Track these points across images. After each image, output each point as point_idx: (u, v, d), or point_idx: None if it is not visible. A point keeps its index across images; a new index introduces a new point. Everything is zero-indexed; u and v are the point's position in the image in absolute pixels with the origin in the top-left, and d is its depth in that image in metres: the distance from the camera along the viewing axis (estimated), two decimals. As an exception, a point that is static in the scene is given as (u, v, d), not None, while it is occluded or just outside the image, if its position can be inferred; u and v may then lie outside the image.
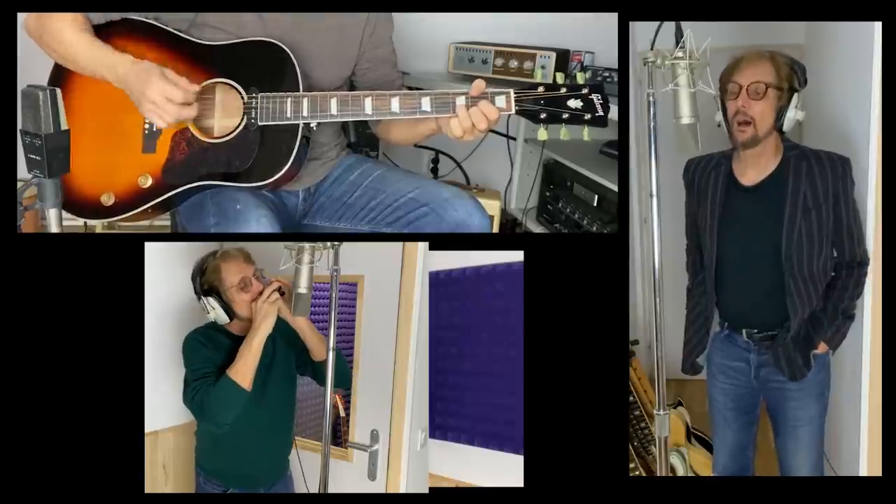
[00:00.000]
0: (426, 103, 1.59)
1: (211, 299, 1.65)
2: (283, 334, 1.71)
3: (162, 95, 1.51)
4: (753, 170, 1.62)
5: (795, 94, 1.56)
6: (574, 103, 1.56)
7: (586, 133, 1.57)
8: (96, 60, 1.58)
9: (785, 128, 1.58)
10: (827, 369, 1.68)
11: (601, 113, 1.55)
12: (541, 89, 1.57)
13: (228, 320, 1.67)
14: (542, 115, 1.57)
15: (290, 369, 1.77)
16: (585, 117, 1.56)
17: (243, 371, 1.56)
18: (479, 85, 1.57)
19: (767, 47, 1.62)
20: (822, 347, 1.63)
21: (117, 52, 1.58)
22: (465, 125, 1.57)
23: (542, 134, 1.58)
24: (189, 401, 1.60)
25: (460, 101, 1.57)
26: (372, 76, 1.86)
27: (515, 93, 1.57)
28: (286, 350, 1.74)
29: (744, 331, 1.68)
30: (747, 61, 1.56)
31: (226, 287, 1.65)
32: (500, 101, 1.56)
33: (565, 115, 1.56)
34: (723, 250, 1.66)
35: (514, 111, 1.57)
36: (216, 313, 1.65)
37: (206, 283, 1.65)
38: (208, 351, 1.63)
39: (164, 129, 1.64)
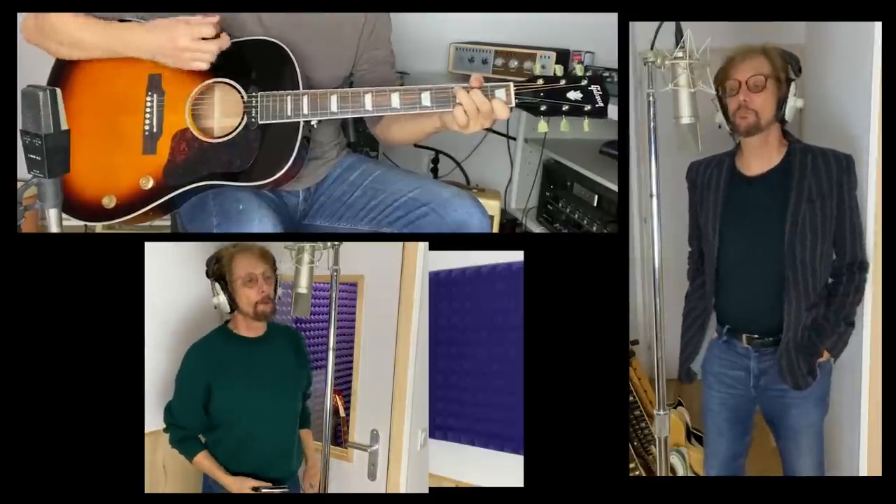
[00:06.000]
0: (426, 98, 1.59)
1: (217, 285, 1.67)
2: (295, 357, 1.76)
3: (193, 39, 1.53)
4: (757, 161, 1.63)
5: (792, 84, 1.58)
6: (574, 95, 1.56)
7: (587, 125, 1.57)
8: (105, 37, 1.59)
9: (787, 116, 1.59)
10: (828, 375, 1.68)
11: (601, 104, 1.55)
12: (540, 82, 1.57)
13: (229, 310, 1.68)
14: (543, 108, 1.57)
15: (297, 379, 1.78)
16: (585, 109, 1.56)
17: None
18: (477, 78, 1.57)
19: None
20: (824, 356, 1.63)
21: (123, 24, 1.59)
22: (470, 109, 1.55)
23: (543, 126, 1.58)
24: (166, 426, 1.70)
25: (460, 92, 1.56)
26: (370, 77, 1.85)
27: (515, 85, 1.57)
28: (295, 369, 1.77)
29: (744, 336, 1.67)
30: (742, 57, 1.57)
31: (232, 278, 1.66)
32: (500, 93, 1.56)
33: (565, 107, 1.56)
34: (725, 245, 1.65)
35: (514, 104, 1.57)
36: (219, 300, 1.67)
37: (217, 269, 1.68)
38: (201, 371, 1.67)
39: (164, 130, 1.64)
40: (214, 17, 1.57)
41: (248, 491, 1.61)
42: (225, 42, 1.58)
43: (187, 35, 1.54)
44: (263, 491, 1.61)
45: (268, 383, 1.69)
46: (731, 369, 1.71)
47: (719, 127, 1.61)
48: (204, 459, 1.67)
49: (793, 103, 1.58)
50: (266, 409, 1.68)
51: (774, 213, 1.59)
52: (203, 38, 1.55)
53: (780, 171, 1.61)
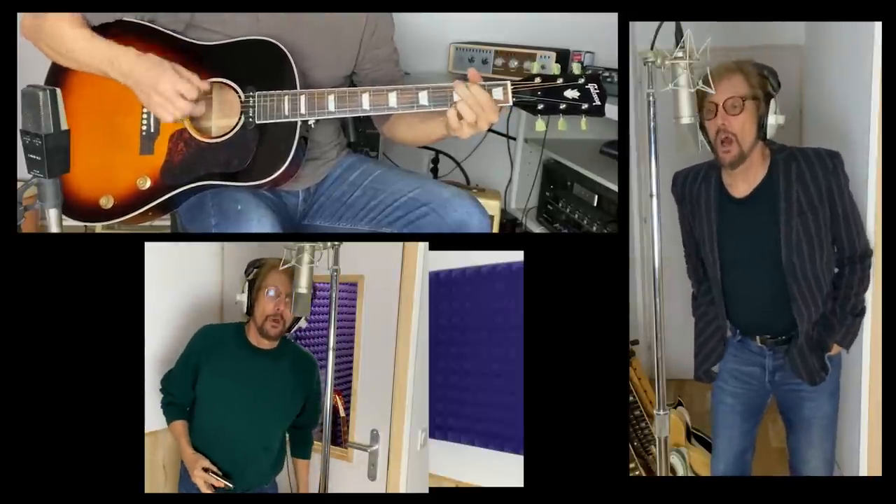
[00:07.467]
0: (424, 97, 1.59)
1: (248, 286, 1.72)
2: (294, 380, 1.76)
3: (174, 90, 1.51)
4: (743, 181, 1.61)
5: (772, 100, 1.55)
6: (571, 93, 1.56)
7: (584, 123, 1.57)
8: (96, 54, 1.56)
9: (768, 135, 1.56)
10: (839, 367, 1.69)
11: (598, 102, 1.55)
12: (537, 80, 1.57)
13: (245, 311, 1.72)
14: (540, 107, 1.57)
15: (287, 403, 1.78)
16: (582, 107, 1.56)
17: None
18: (474, 74, 1.57)
19: (768, 47, 1.62)
20: (835, 349, 1.63)
21: (118, 45, 1.56)
22: (471, 102, 1.54)
23: (540, 125, 1.58)
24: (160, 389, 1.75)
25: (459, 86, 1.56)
26: (375, 76, 1.85)
27: (512, 84, 1.57)
28: (290, 389, 1.77)
29: (757, 337, 1.68)
30: (718, 78, 1.52)
31: (260, 285, 1.70)
32: (498, 92, 1.56)
33: (562, 106, 1.56)
34: (725, 262, 1.66)
35: (511, 102, 1.57)
36: (242, 297, 1.72)
37: (255, 273, 1.73)
38: (198, 350, 1.72)
39: (161, 131, 1.63)
40: (206, 85, 1.56)
41: (200, 469, 1.65)
42: (199, 110, 1.58)
43: (170, 84, 1.51)
44: (211, 475, 1.65)
45: (251, 389, 1.71)
46: (747, 366, 1.72)
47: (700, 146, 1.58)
48: (178, 427, 1.72)
49: (773, 121, 1.55)
50: (240, 411, 1.70)
51: (768, 231, 1.58)
52: (181, 94, 1.52)
53: (766, 188, 1.59)
